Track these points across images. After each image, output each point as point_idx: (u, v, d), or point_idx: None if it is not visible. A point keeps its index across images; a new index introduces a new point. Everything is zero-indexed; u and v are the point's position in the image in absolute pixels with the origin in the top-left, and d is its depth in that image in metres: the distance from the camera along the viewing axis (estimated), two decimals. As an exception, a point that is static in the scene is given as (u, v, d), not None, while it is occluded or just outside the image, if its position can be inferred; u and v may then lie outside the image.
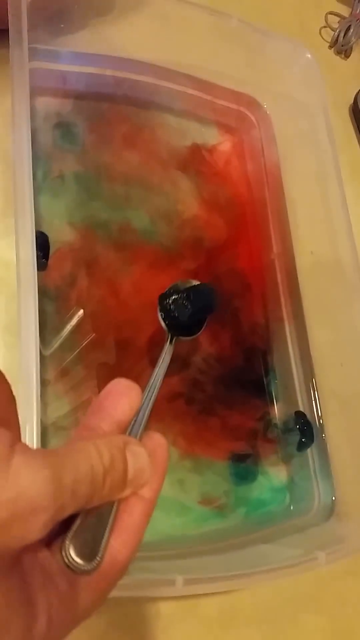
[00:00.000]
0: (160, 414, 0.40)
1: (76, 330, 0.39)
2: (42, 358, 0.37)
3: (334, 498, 0.43)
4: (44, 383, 0.37)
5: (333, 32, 0.60)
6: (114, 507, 0.21)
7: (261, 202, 0.49)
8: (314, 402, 0.45)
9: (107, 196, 0.44)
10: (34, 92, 0.35)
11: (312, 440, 0.44)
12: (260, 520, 0.41)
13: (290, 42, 0.46)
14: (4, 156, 0.41)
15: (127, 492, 0.21)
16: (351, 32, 0.59)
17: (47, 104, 0.43)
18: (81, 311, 0.40)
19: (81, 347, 0.39)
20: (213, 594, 0.38)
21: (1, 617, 0.17)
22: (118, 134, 0.46)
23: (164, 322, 0.39)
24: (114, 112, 0.46)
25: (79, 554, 0.19)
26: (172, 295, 0.39)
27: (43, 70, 0.42)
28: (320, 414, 0.45)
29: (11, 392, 0.20)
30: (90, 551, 0.19)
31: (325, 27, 0.61)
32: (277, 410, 0.45)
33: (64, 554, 0.19)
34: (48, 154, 0.42)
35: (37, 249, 0.32)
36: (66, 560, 0.19)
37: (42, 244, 0.39)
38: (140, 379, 0.40)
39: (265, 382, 0.45)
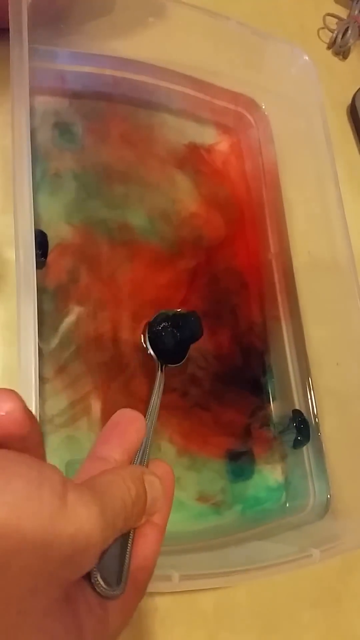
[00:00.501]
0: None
1: (75, 327, 0.40)
2: (41, 355, 0.38)
3: (329, 496, 0.43)
4: (42, 380, 0.37)
5: (331, 34, 0.61)
6: (131, 535, 0.22)
7: (259, 201, 0.50)
8: (309, 400, 0.46)
9: (105, 195, 0.44)
10: (34, 92, 0.35)
11: (309, 439, 0.44)
12: (256, 517, 0.42)
13: (287, 45, 0.46)
14: (3, 154, 0.42)
15: (144, 520, 0.22)
16: (349, 33, 0.60)
17: (46, 103, 0.43)
18: (80, 308, 0.40)
19: (80, 344, 0.40)
20: (209, 589, 0.38)
21: None
22: (116, 133, 0.46)
23: (152, 350, 0.40)
24: (112, 111, 0.46)
25: (105, 581, 0.20)
26: (162, 323, 0.40)
27: (42, 70, 0.42)
28: (316, 413, 0.45)
29: (41, 434, 0.21)
30: (115, 577, 0.21)
31: (323, 28, 0.61)
32: (274, 409, 0.45)
33: (94, 581, 0.20)
34: (47, 153, 0.43)
35: (36, 247, 0.32)
36: (97, 588, 0.20)
37: (41, 242, 0.39)
38: (137, 376, 0.40)
39: (262, 380, 0.46)
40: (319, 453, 0.44)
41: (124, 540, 0.22)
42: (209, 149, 0.50)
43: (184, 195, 0.48)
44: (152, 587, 0.32)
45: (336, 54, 0.61)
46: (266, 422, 0.45)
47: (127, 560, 0.22)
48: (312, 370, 0.46)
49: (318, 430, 0.45)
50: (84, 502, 0.18)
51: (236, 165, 0.50)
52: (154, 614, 0.37)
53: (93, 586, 0.20)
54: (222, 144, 0.51)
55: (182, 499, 0.40)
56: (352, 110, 0.59)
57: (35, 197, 0.34)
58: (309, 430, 0.44)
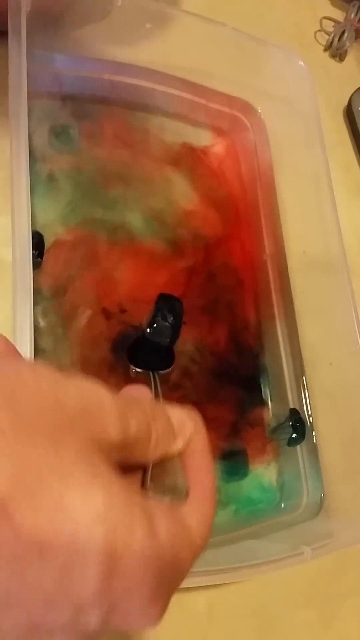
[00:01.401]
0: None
1: (70, 328, 0.40)
2: (36, 356, 0.38)
3: (322, 495, 0.43)
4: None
5: (328, 36, 0.61)
6: (177, 459, 0.22)
7: (254, 202, 0.50)
8: (304, 400, 0.46)
9: (102, 196, 0.45)
10: (31, 95, 0.36)
11: (304, 437, 0.45)
12: (249, 517, 0.42)
13: (283, 50, 0.47)
14: (1, 156, 0.42)
15: (180, 442, 0.22)
16: (345, 36, 0.60)
17: (43, 106, 0.44)
18: (76, 309, 0.41)
19: (76, 345, 0.40)
20: (202, 588, 0.39)
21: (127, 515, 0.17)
22: (113, 136, 0.46)
23: (139, 366, 0.40)
24: (109, 114, 0.47)
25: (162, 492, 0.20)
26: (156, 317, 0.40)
27: (40, 74, 0.43)
28: (310, 412, 0.46)
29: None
30: (172, 489, 0.21)
31: (320, 31, 0.62)
32: (269, 408, 0.46)
33: (147, 484, 0.20)
34: (44, 156, 0.43)
35: (32, 248, 0.33)
36: (152, 490, 0.20)
37: (38, 243, 0.39)
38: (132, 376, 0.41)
39: (256, 379, 0.46)
40: (313, 452, 0.44)
41: (170, 463, 0.22)
42: (205, 151, 0.51)
43: (181, 195, 0.48)
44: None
45: (333, 56, 0.62)
46: (261, 421, 0.45)
47: (179, 470, 0.22)
48: (306, 369, 0.46)
49: (312, 430, 0.45)
50: (86, 378, 0.19)
51: (232, 167, 0.51)
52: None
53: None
54: (218, 146, 0.51)
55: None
56: (348, 111, 0.59)
57: (32, 199, 0.34)
58: (304, 429, 0.45)
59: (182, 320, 0.41)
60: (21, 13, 0.36)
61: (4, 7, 0.37)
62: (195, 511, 0.20)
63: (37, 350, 0.38)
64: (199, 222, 0.48)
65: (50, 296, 0.40)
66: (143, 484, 0.21)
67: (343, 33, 0.60)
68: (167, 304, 0.40)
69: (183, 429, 0.22)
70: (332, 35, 0.61)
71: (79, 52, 0.44)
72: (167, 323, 0.40)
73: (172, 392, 0.42)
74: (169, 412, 0.22)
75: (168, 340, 0.40)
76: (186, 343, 0.44)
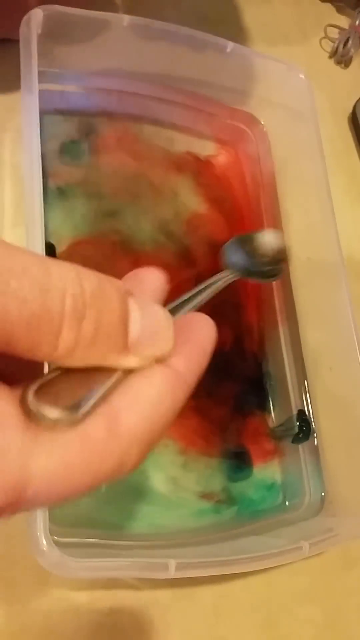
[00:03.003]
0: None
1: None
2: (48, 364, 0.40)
3: (323, 494, 0.45)
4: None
5: (333, 44, 0.62)
6: (118, 374, 0.17)
7: (257, 211, 0.51)
8: (306, 403, 0.47)
9: (111, 208, 0.46)
10: (42, 112, 0.38)
11: (308, 437, 0.46)
12: (253, 515, 0.43)
13: (284, 64, 0.48)
14: (15, 170, 0.44)
15: (132, 360, 0.16)
16: (350, 43, 0.61)
17: (53, 122, 0.46)
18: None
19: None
20: (208, 584, 0.40)
21: None
22: (121, 149, 0.48)
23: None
24: (116, 128, 0.49)
25: (51, 404, 0.15)
26: None
27: (50, 91, 0.45)
28: (312, 414, 0.47)
29: None
30: (71, 404, 0.15)
31: (324, 38, 0.63)
32: (272, 410, 0.47)
33: (26, 398, 0.15)
34: (55, 170, 0.45)
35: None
36: (30, 406, 0.15)
37: (49, 254, 0.41)
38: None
39: (260, 382, 0.47)
40: (314, 452, 0.46)
41: (100, 375, 0.16)
42: (210, 161, 0.52)
43: (188, 204, 0.49)
44: (149, 574, 0.34)
45: (338, 63, 0.63)
46: (264, 423, 0.47)
47: (99, 391, 0.16)
48: (308, 373, 0.47)
49: (314, 431, 0.47)
50: None
51: (236, 176, 0.52)
52: (154, 608, 0.38)
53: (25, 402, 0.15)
54: (222, 157, 0.53)
55: (180, 497, 0.41)
56: (353, 118, 0.60)
57: (44, 212, 0.36)
58: (310, 429, 0.46)
59: None
60: (32, 36, 0.38)
61: (15, 15, 0.39)
62: (81, 457, 0.15)
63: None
64: (207, 230, 0.49)
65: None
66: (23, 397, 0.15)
67: (347, 40, 0.61)
68: None
69: (151, 340, 0.17)
70: (337, 42, 0.62)
71: (86, 68, 0.46)
72: None
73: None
74: (142, 308, 0.17)
75: None
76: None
